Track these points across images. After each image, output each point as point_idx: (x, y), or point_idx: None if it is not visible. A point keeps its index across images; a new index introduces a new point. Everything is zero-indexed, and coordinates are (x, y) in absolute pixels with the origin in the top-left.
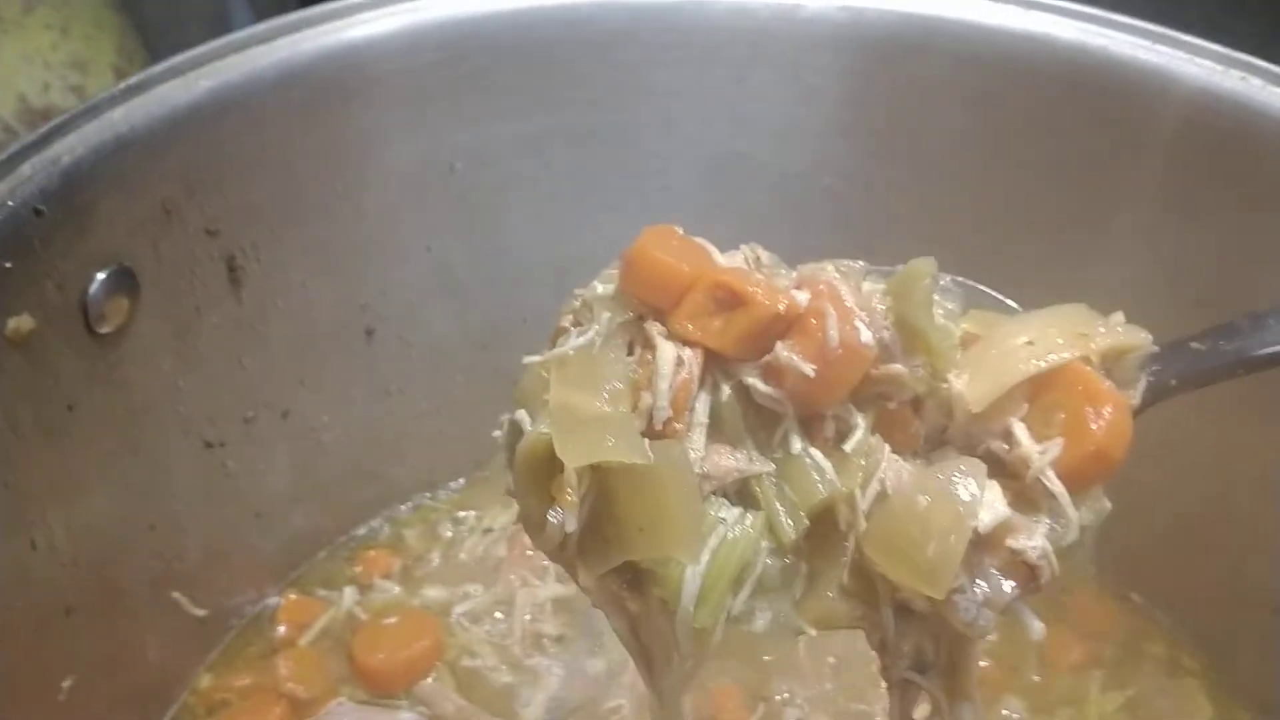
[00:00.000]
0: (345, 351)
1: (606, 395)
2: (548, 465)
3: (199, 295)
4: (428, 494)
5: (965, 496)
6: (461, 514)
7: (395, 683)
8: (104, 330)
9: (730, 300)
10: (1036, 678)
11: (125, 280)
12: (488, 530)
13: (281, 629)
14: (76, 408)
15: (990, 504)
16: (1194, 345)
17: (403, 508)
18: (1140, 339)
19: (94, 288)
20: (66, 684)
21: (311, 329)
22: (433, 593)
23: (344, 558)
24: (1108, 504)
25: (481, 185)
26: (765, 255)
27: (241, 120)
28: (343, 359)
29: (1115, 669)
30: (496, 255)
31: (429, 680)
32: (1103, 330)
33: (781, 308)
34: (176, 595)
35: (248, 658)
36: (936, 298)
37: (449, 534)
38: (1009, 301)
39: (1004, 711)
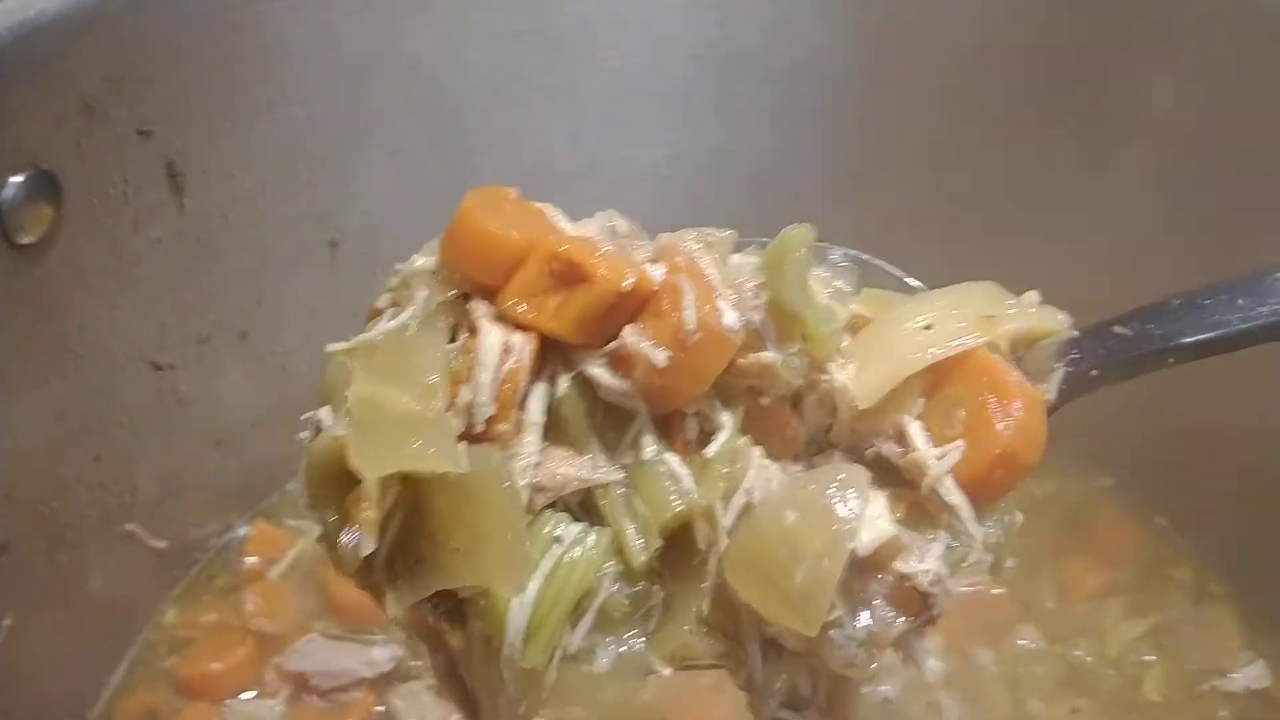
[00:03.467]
0: (306, 266)
1: (417, 390)
2: (346, 474)
3: (135, 204)
4: None
5: (842, 512)
6: None
7: (369, 617)
8: (24, 241)
9: (569, 275)
10: (1053, 606)
11: (46, 185)
12: None
13: (249, 561)
14: None
15: (873, 520)
16: (1118, 330)
17: None
18: (1055, 322)
19: (9, 192)
20: (6, 622)
21: (267, 242)
22: None
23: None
24: (1019, 516)
25: (447, 85)
26: (624, 224)
27: (171, 6)
28: (304, 276)
29: (1137, 596)
30: (467, 164)
31: None
32: (1013, 312)
33: (628, 284)
34: (132, 527)
35: (214, 591)
36: (825, 274)
37: None
38: (911, 281)
39: (1020, 642)
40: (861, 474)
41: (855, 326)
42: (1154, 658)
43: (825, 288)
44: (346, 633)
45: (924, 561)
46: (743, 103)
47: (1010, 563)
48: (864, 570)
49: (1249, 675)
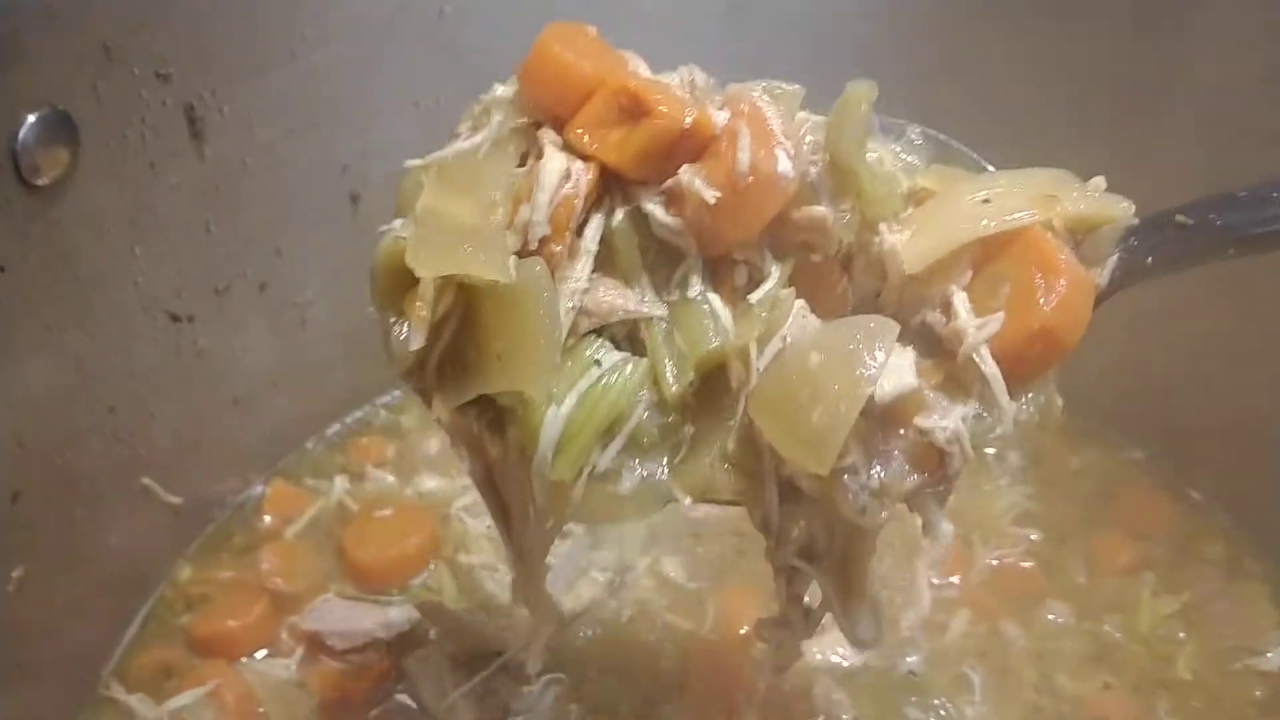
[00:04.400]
0: (327, 219)
1: (480, 204)
2: (408, 276)
3: (153, 149)
4: None
5: (865, 358)
6: None
7: (387, 579)
8: (39, 182)
9: (635, 110)
10: (1083, 580)
11: (62, 126)
12: None
13: (267, 520)
14: (9, 269)
15: (896, 370)
16: (1180, 219)
17: (397, 391)
18: (1119, 209)
19: (24, 131)
20: (16, 574)
21: (287, 193)
22: (430, 483)
23: (334, 445)
24: (1058, 401)
25: (474, 33)
26: (701, 78)
27: None
28: (325, 227)
29: (1169, 572)
30: None
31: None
32: (1076, 195)
33: (688, 121)
34: (147, 481)
35: (231, 550)
36: (897, 148)
37: None
38: (987, 165)
39: (1049, 617)
40: (891, 326)
41: (920, 199)
42: (1185, 635)
43: (895, 161)
44: (363, 594)
45: (945, 419)
46: (771, 53)
47: (1038, 536)
48: (884, 422)
49: None
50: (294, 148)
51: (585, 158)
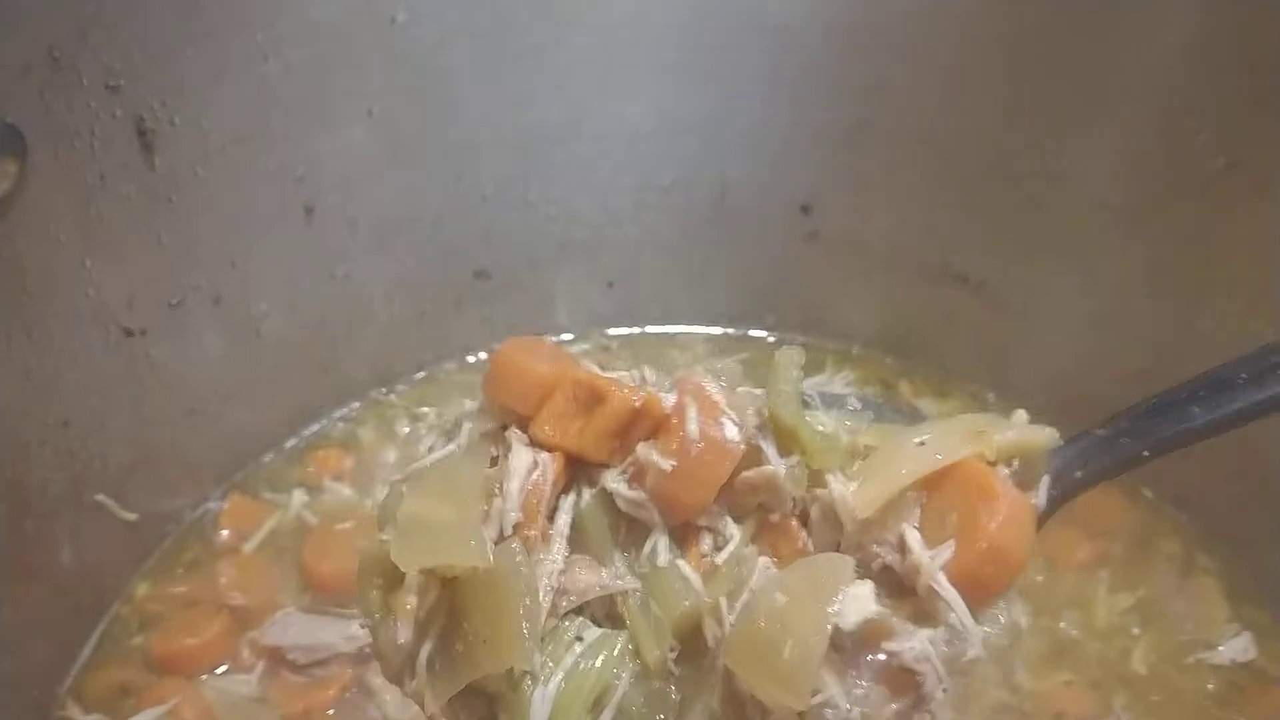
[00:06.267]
0: (282, 230)
1: (457, 504)
2: (393, 578)
3: (103, 160)
4: (383, 388)
5: (827, 591)
6: (421, 409)
7: (348, 591)
8: None
9: (591, 400)
10: (1040, 578)
11: (9, 137)
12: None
13: (224, 534)
14: None
15: (858, 599)
16: (1099, 433)
17: (356, 404)
18: (1043, 435)
19: None
20: None
21: (240, 204)
22: None
23: (292, 458)
24: (1022, 618)
25: (427, 40)
26: (651, 375)
27: None
28: (279, 238)
29: (1125, 568)
30: (447, 121)
31: None
32: (1003, 428)
33: (638, 401)
34: (101, 498)
35: (187, 565)
36: (836, 414)
37: (406, 431)
38: (924, 416)
39: (1004, 615)
40: (848, 561)
41: (864, 455)
42: (1140, 631)
43: (836, 425)
44: (324, 607)
45: (911, 640)
46: (732, 62)
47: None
48: (855, 653)
49: (1235, 648)
50: (246, 158)
51: (550, 448)
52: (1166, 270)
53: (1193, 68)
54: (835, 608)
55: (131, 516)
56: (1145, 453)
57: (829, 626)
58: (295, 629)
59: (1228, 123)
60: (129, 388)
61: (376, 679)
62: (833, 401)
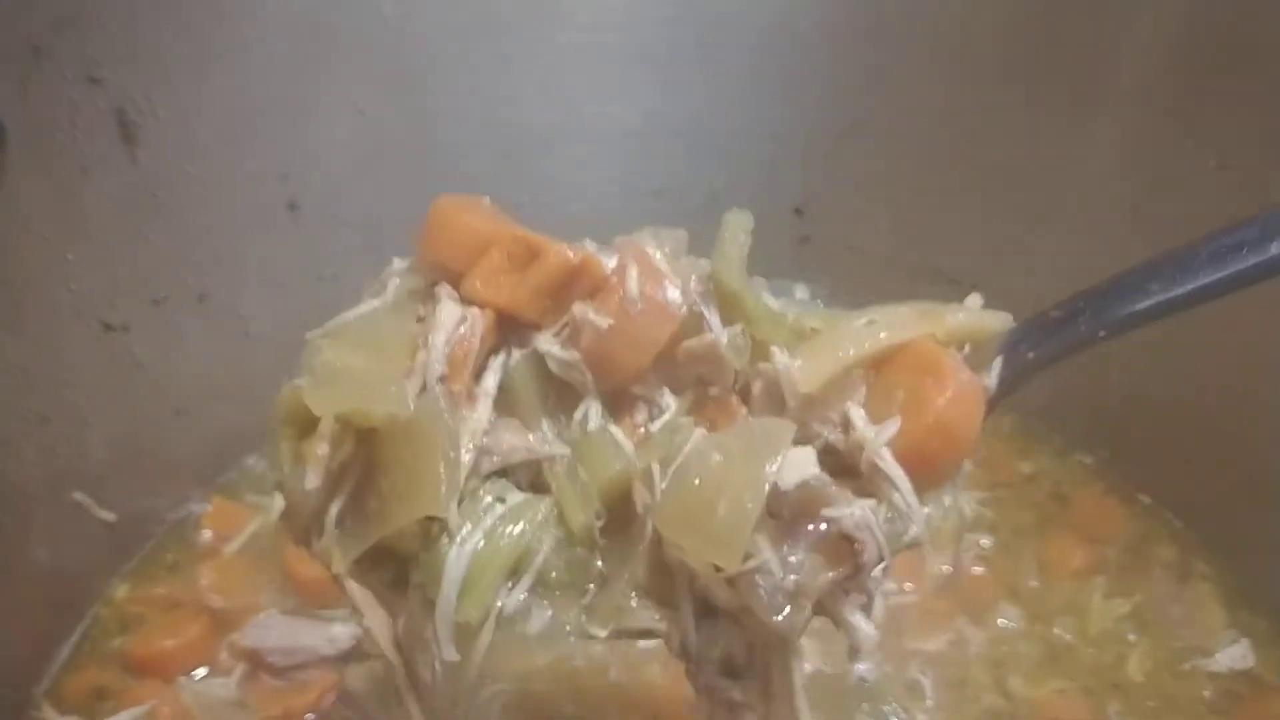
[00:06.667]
0: (267, 228)
1: (378, 355)
2: (306, 425)
3: (85, 153)
4: None
5: (764, 451)
6: None
7: (330, 595)
8: None
9: (527, 257)
10: (1035, 584)
11: None
12: None
13: (206, 536)
14: None
15: (797, 462)
16: (1053, 314)
17: None
18: (997, 319)
19: None
20: None
21: (225, 200)
22: None
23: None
24: (967, 510)
25: (416, 34)
26: (592, 245)
27: None
28: (265, 236)
29: (1120, 575)
30: (435, 119)
31: None
32: (955, 311)
33: (576, 258)
34: (79, 496)
35: (167, 567)
36: (785, 302)
37: None
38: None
39: (1000, 621)
40: (787, 424)
41: (808, 337)
42: (1136, 637)
43: (776, 303)
44: (306, 610)
45: (851, 507)
46: (720, 64)
47: (989, 541)
48: (792, 519)
49: (1232, 655)
50: (231, 153)
51: (481, 305)
52: None
53: (1183, 68)
54: (774, 467)
55: (110, 516)
56: (1101, 333)
57: (766, 486)
58: (276, 632)
59: (1217, 123)
60: (110, 385)
61: (358, 683)
62: (780, 292)
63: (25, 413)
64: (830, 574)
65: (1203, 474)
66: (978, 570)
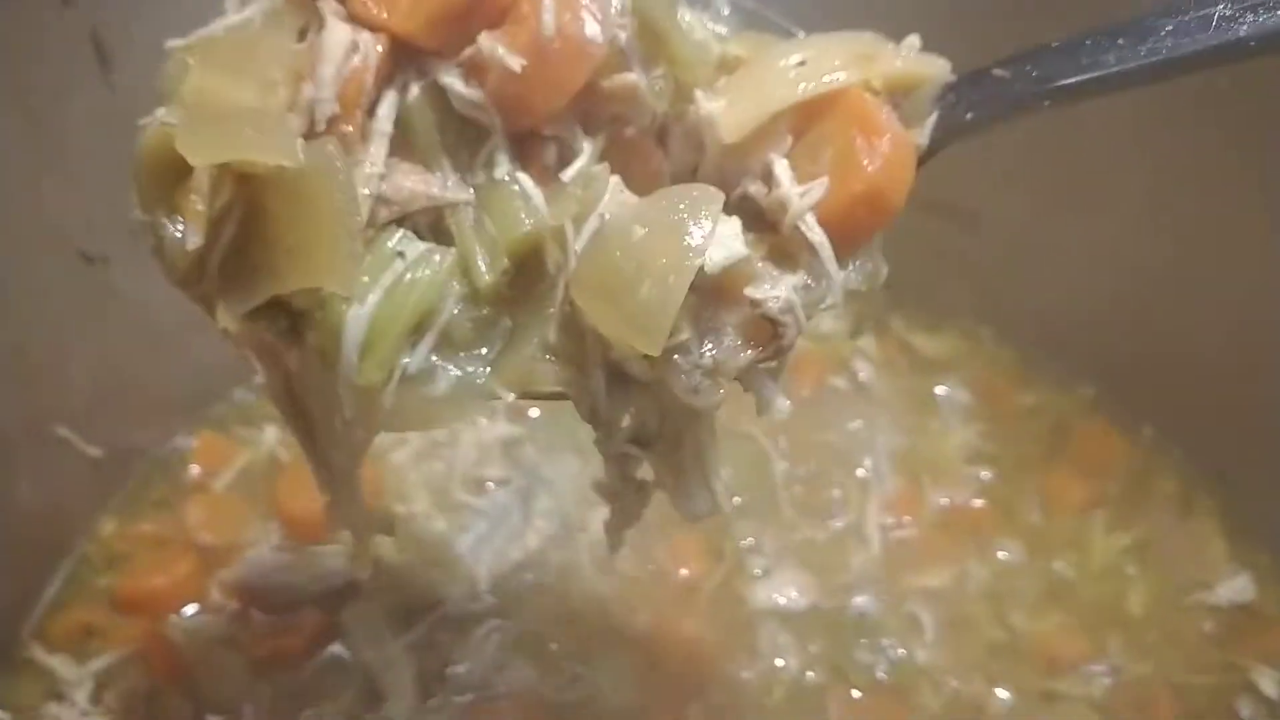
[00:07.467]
0: None
1: (257, 84)
2: (179, 169)
3: (58, 77)
4: None
5: (692, 228)
6: None
7: (321, 531)
8: None
9: None
10: (1035, 518)
11: None
12: None
13: (194, 471)
14: None
15: (724, 239)
16: (996, 73)
17: None
18: (936, 67)
19: None
20: None
21: None
22: None
23: (264, 394)
24: (884, 267)
25: None
26: None
27: None
28: None
29: (1121, 508)
30: None
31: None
32: (892, 55)
33: None
34: (64, 432)
35: (154, 502)
36: (704, 16)
37: None
38: (796, 31)
39: (999, 555)
40: (716, 194)
41: (731, 68)
42: (1136, 571)
43: (705, 29)
44: (297, 546)
45: (775, 289)
46: None
47: (990, 474)
48: (713, 296)
49: (1233, 588)
50: None
51: (373, 28)
52: (1166, 205)
53: None
54: (700, 244)
55: (96, 452)
56: (1046, 102)
57: (692, 268)
58: (267, 569)
59: None
60: (89, 317)
61: (351, 618)
62: (700, 4)
63: (1, 347)
64: (750, 353)
65: (1205, 406)
66: (978, 504)
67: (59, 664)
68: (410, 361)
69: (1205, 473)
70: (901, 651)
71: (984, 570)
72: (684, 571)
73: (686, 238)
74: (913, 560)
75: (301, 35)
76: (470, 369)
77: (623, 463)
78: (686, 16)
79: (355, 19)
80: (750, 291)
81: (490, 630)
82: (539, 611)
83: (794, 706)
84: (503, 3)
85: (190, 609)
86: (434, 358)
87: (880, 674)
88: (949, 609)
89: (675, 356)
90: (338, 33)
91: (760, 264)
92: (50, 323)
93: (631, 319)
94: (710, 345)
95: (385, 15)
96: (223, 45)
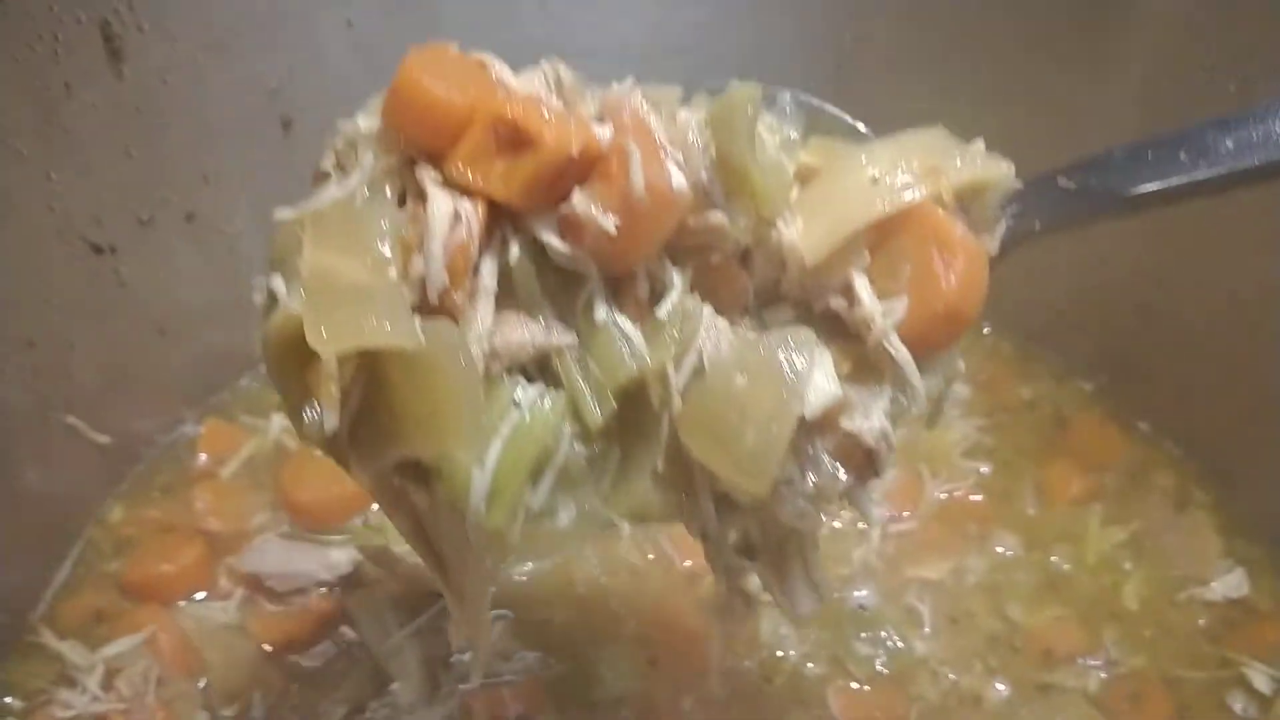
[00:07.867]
0: (258, 145)
1: (370, 261)
2: (304, 348)
3: (68, 67)
4: None
5: (790, 376)
6: None
7: (328, 518)
8: None
9: (515, 139)
10: (1032, 511)
11: None
12: None
13: (201, 459)
14: None
15: (819, 385)
16: (1061, 182)
17: None
18: (1001, 172)
19: None
20: None
21: (213, 115)
22: None
23: (270, 382)
24: (960, 363)
25: None
26: (567, 75)
27: None
28: (256, 153)
29: (1118, 502)
30: (428, 34)
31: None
32: (959, 163)
33: (575, 150)
34: (72, 420)
35: (161, 489)
36: (774, 122)
37: None
38: (859, 126)
39: (996, 549)
40: (810, 338)
41: (804, 177)
42: (1132, 565)
43: (773, 135)
44: (303, 534)
45: (869, 418)
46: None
47: (988, 468)
48: (812, 430)
49: (1228, 584)
50: (219, 67)
51: (470, 194)
52: None
53: None
54: (799, 391)
55: (104, 439)
56: (1113, 213)
57: (794, 416)
58: (274, 556)
59: (1238, 46)
60: (97, 307)
61: (356, 606)
62: (764, 100)
63: (9, 337)
64: (849, 478)
65: (1202, 402)
66: (976, 498)
67: (68, 649)
68: (533, 500)
69: (1201, 468)
70: (900, 643)
71: (982, 563)
72: (687, 562)
73: (785, 387)
74: (912, 554)
75: (401, 199)
76: (587, 501)
77: (731, 574)
78: (761, 132)
79: (452, 185)
80: (845, 424)
81: (495, 618)
82: (543, 600)
83: (794, 696)
84: (590, 157)
85: (199, 595)
86: (554, 494)
87: (879, 665)
88: (947, 601)
89: (781, 487)
90: (441, 204)
91: (854, 393)
92: (59, 312)
93: (739, 464)
94: (812, 476)
95: (483, 182)
96: (332, 219)
